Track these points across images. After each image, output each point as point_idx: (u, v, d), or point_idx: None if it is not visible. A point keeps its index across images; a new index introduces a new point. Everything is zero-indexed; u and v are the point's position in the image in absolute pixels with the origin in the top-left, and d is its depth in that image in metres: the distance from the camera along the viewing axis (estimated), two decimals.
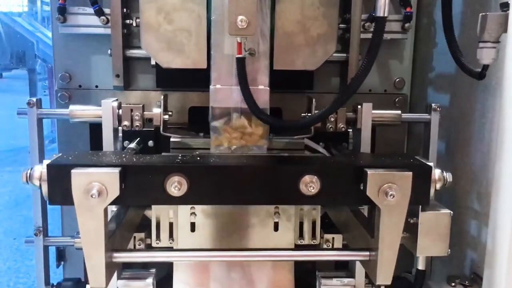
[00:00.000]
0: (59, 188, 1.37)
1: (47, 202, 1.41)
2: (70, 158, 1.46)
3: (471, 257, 1.81)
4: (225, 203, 1.65)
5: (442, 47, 2.04)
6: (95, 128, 1.91)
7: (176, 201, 1.40)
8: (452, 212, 1.54)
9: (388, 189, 1.37)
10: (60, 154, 1.49)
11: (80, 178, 1.34)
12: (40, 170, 1.41)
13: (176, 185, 1.37)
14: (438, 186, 1.49)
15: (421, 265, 1.66)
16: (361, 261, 1.58)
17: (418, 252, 1.52)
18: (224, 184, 1.43)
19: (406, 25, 2.08)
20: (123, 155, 1.52)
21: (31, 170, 1.43)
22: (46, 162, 1.40)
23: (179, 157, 1.49)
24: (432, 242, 1.52)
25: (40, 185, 1.41)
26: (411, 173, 1.39)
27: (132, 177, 1.39)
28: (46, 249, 1.83)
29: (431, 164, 1.47)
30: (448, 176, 1.50)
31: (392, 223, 1.41)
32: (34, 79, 9.28)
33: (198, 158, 1.53)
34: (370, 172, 1.39)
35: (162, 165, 1.42)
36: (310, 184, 1.40)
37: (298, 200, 1.45)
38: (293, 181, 1.41)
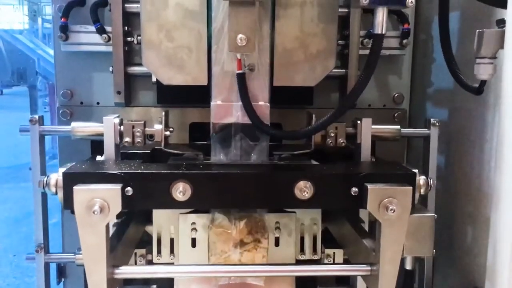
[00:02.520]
0: (73, 194, 1.40)
1: (50, 216, 1.43)
2: (83, 166, 1.52)
3: (472, 269, 1.81)
4: (226, 207, 1.69)
5: (440, 63, 2.06)
6: (96, 145, 1.92)
7: (180, 205, 1.48)
8: (435, 215, 1.59)
9: (389, 204, 1.39)
10: (74, 163, 1.56)
11: (82, 194, 1.35)
12: (56, 177, 1.47)
13: (180, 191, 1.44)
14: (422, 191, 1.54)
15: (409, 265, 1.71)
16: (362, 276, 1.58)
17: (405, 252, 1.56)
18: (225, 189, 1.50)
19: (404, 41, 2.11)
20: (132, 164, 1.56)
21: (47, 178, 1.49)
22: (61, 170, 1.47)
23: (184, 165, 1.56)
24: (418, 243, 1.56)
25: (56, 191, 1.47)
26: (411, 187, 1.41)
27: (141, 183, 1.45)
28: (47, 265, 1.83)
29: (415, 171, 1.52)
30: (432, 182, 1.57)
31: (393, 237, 1.43)
32: (35, 96, 9.33)
33: (201, 166, 1.60)
34: (370, 187, 1.40)
35: (168, 173, 1.48)
36: (304, 189, 1.46)
37: (293, 204, 1.53)
38: (288, 187, 1.47)
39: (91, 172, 1.46)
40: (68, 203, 1.43)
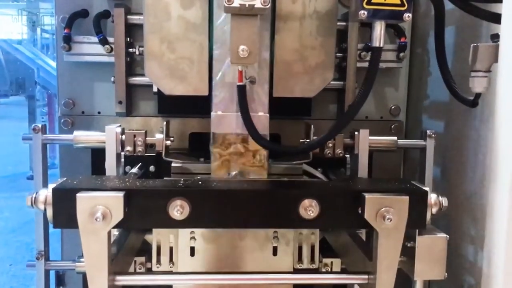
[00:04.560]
0: (64, 212, 1.40)
1: (52, 225, 1.44)
2: (75, 182, 1.50)
3: (468, 281, 1.83)
4: (226, 227, 1.67)
5: (436, 76, 2.09)
6: (97, 154, 1.95)
7: (178, 224, 1.43)
8: (448, 236, 1.57)
9: (386, 213, 1.41)
10: (65, 179, 1.52)
11: (85, 201, 1.37)
12: (45, 194, 1.44)
13: (178, 209, 1.40)
14: (434, 210, 1.52)
15: None
16: (359, 285, 1.60)
17: (416, 276, 1.54)
18: (225, 208, 1.46)
19: (401, 54, 2.15)
20: (127, 180, 1.55)
21: (36, 194, 1.46)
22: (51, 186, 1.44)
23: (181, 182, 1.53)
24: (429, 266, 1.55)
25: (45, 208, 1.44)
26: (407, 197, 1.43)
27: (135, 201, 1.42)
28: (47, 273, 1.84)
29: (427, 189, 1.51)
30: (444, 201, 1.53)
31: (390, 246, 1.45)
32: (33, 105, 9.34)
33: (200, 182, 1.57)
34: (367, 196, 1.42)
35: (165, 189, 1.45)
36: (309, 208, 1.43)
37: (298, 223, 1.48)
38: (292, 205, 1.44)
39: (84, 188, 1.42)
40: (58, 220, 1.41)
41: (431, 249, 1.53)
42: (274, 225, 1.65)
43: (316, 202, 1.43)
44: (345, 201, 1.47)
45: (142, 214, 1.43)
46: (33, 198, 1.46)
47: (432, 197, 1.52)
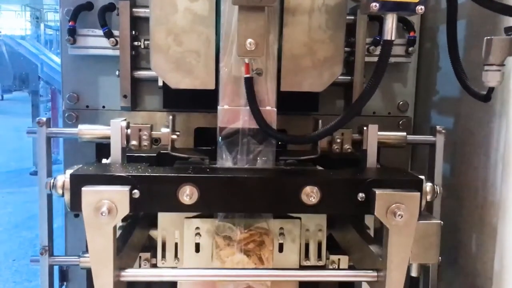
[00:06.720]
0: (80, 196, 1.41)
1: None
2: (90, 168, 1.54)
3: (479, 280, 1.80)
4: (232, 211, 1.68)
5: (445, 71, 2.07)
6: (101, 148, 1.93)
7: (187, 208, 1.48)
8: (442, 222, 1.60)
9: (396, 209, 1.39)
10: (81, 165, 1.57)
11: (90, 195, 1.35)
12: (63, 179, 1.49)
13: (187, 194, 1.45)
14: (428, 197, 1.56)
15: (414, 272, 1.71)
16: (368, 282, 1.58)
17: (411, 259, 1.56)
18: (231, 193, 1.50)
19: (410, 49, 2.12)
20: (139, 167, 1.57)
21: (54, 179, 1.51)
22: (69, 172, 1.48)
23: (191, 169, 1.57)
24: (424, 250, 1.58)
25: (63, 193, 1.48)
26: (419, 193, 1.41)
27: (148, 186, 1.45)
28: (51, 268, 1.82)
29: (422, 177, 1.53)
30: (438, 189, 1.59)
31: (401, 243, 1.43)
32: (37, 100, 9.34)
33: (208, 169, 1.61)
34: (378, 192, 1.41)
35: (176, 176, 1.49)
36: (311, 195, 1.47)
37: (300, 209, 1.52)
38: (295, 192, 1.48)
39: (99, 174, 1.47)
40: (74, 205, 1.44)
41: (426, 234, 1.57)
42: (277, 210, 1.69)
43: (317, 189, 1.47)
44: (345, 187, 1.50)
45: (154, 199, 1.47)
46: (52, 183, 1.50)
47: (427, 185, 1.55)
